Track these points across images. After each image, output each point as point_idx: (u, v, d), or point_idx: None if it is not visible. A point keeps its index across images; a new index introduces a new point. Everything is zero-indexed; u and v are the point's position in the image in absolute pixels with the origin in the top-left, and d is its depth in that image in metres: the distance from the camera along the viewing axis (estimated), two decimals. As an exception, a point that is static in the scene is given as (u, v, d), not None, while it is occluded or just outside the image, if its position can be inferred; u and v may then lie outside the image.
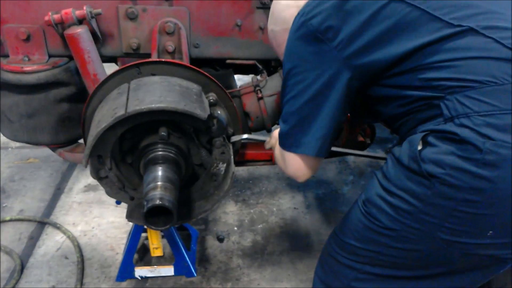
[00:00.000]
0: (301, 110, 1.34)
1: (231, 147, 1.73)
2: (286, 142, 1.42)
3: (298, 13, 1.32)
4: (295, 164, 1.43)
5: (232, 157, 1.70)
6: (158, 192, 1.45)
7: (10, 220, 2.93)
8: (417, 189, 1.15)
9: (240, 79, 2.33)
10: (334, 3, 1.25)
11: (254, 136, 1.87)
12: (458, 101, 1.09)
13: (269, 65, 2.29)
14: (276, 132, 1.70)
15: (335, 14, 1.23)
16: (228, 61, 2.16)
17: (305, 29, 1.27)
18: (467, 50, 1.11)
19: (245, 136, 1.81)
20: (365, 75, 1.26)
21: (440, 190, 1.10)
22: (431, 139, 1.13)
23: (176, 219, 1.47)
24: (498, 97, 1.05)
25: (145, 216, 1.44)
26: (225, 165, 1.72)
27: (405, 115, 1.26)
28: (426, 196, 1.13)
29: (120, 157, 1.69)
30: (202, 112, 1.51)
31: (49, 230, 2.87)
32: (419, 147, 1.15)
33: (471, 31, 1.12)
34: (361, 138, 2.17)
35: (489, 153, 1.03)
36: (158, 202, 1.41)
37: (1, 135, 2.03)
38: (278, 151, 1.52)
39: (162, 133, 1.58)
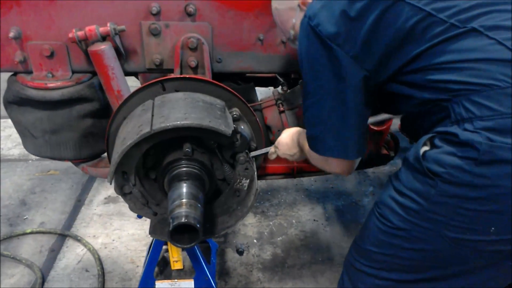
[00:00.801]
0: (327, 116, 1.36)
1: (254, 163, 1.72)
2: (320, 147, 1.45)
3: (305, 15, 1.33)
4: (339, 166, 1.48)
5: (255, 173, 1.69)
6: (183, 210, 1.44)
7: (31, 233, 2.95)
8: (423, 188, 1.19)
9: (259, 91, 2.32)
10: (339, 9, 1.26)
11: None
12: (463, 105, 1.13)
13: (290, 77, 2.29)
14: (282, 139, 1.74)
15: (341, 22, 1.25)
16: (248, 74, 2.16)
17: (315, 35, 1.29)
18: (470, 51, 1.14)
19: (265, 150, 1.80)
20: (379, 75, 1.29)
21: (443, 188, 1.15)
22: (437, 141, 1.18)
23: (201, 236, 1.46)
24: (499, 101, 1.09)
25: (170, 234, 1.43)
26: (248, 181, 1.71)
27: (420, 115, 1.29)
28: (430, 194, 1.18)
29: (144, 172, 1.69)
30: (226, 128, 1.50)
31: (69, 242, 2.89)
32: (427, 148, 1.20)
33: (475, 32, 1.14)
34: (385, 151, 2.15)
35: (487, 153, 1.08)
36: (184, 220, 1.41)
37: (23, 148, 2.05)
38: (314, 153, 1.52)
39: (187, 149, 1.58)
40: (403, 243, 1.29)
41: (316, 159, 1.54)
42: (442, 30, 1.17)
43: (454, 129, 1.14)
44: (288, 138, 1.72)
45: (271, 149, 1.78)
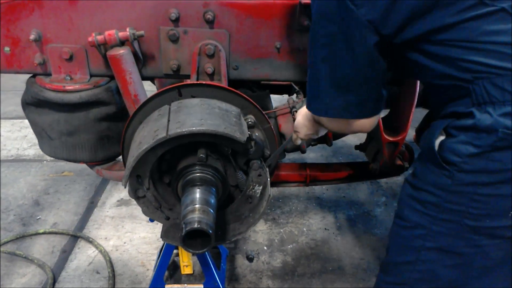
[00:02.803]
0: (341, 78, 1.28)
1: (267, 170, 1.72)
2: (342, 111, 1.36)
3: None
4: (359, 125, 1.39)
5: (269, 180, 1.69)
6: (196, 215, 1.45)
7: (44, 233, 2.98)
8: (440, 180, 1.21)
9: (273, 98, 2.33)
10: None
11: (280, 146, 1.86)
12: (485, 88, 1.12)
13: (305, 85, 2.29)
14: (299, 122, 1.67)
15: None
16: (263, 81, 2.17)
17: None
18: (498, 34, 1.10)
19: (276, 151, 1.80)
20: (396, 39, 1.21)
21: (459, 177, 1.17)
22: (452, 130, 1.19)
23: (213, 242, 1.46)
24: None
25: (183, 239, 1.43)
26: (261, 187, 1.71)
27: (437, 88, 1.27)
28: (447, 185, 1.19)
29: (158, 177, 1.70)
30: (241, 135, 1.51)
31: (81, 244, 2.91)
32: (442, 137, 1.21)
33: (503, 12, 1.09)
34: (399, 162, 2.13)
35: (503, 139, 1.09)
36: (196, 225, 1.41)
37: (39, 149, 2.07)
38: (328, 121, 1.45)
39: (201, 155, 1.59)
40: (424, 243, 1.29)
41: (335, 124, 1.45)
42: (472, 5, 1.10)
43: (474, 111, 1.14)
44: (304, 118, 1.66)
45: (292, 135, 1.75)
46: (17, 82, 5.28)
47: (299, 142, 1.77)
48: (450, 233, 1.25)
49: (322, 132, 1.71)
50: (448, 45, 1.15)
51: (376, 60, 1.24)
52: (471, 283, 1.32)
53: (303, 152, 2.06)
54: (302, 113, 1.69)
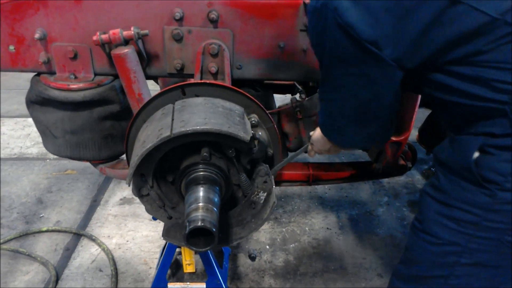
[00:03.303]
0: (364, 114, 1.30)
1: (273, 177, 1.72)
2: (343, 141, 1.46)
3: (330, 6, 1.12)
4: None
5: (274, 187, 1.69)
6: (200, 214, 1.45)
7: (47, 231, 2.99)
8: (478, 198, 1.16)
9: (276, 98, 2.33)
10: (381, 8, 1.08)
11: (291, 154, 1.88)
12: None
13: (308, 85, 2.29)
14: (315, 136, 1.73)
15: (384, 22, 1.09)
16: (266, 81, 2.17)
17: (346, 36, 1.12)
18: None
19: (285, 160, 1.81)
20: (421, 68, 1.18)
21: (502, 196, 1.12)
22: (489, 148, 1.14)
23: (217, 241, 1.46)
24: None
25: (186, 237, 1.44)
26: (265, 194, 1.71)
27: (466, 106, 1.19)
28: (487, 204, 1.15)
29: (161, 175, 1.70)
30: (245, 134, 1.51)
31: (84, 242, 2.92)
32: (476, 155, 1.15)
33: None
34: (402, 162, 2.14)
35: None
36: (200, 223, 1.41)
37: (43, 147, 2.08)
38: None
39: (205, 153, 1.59)
40: (460, 259, 1.24)
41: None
42: (508, 33, 1.07)
43: None
44: (320, 134, 1.67)
45: (308, 146, 1.80)
46: (21, 80, 5.32)
47: (312, 154, 1.81)
48: (488, 249, 1.21)
49: (336, 152, 1.74)
50: (481, 66, 1.11)
51: (399, 93, 1.24)
52: None
53: (306, 151, 2.06)
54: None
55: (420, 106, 1.98)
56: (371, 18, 1.09)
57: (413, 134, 2.10)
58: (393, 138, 2.02)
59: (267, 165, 1.69)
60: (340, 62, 1.20)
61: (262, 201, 1.71)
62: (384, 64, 1.13)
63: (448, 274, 1.28)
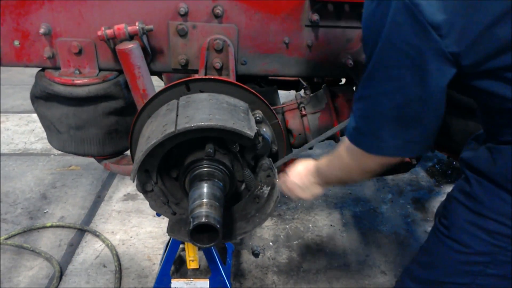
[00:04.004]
0: (408, 114, 1.16)
1: (276, 171, 1.71)
2: (372, 144, 1.24)
3: None
4: (379, 164, 1.28)
5: (277, 181, 1.69)
6: (204, 210, 1.45)
7: (51, 226, 3.00)
8: None
9: (280, 94, 2.32)
10: None
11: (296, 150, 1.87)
12: None
13: (313, 81, 2.29)
14: (301, 167, 1.59)
15: (454, 8, 1.01)
16: (271, 77, 2.17)
17: (410, 15, 1.03)
18: None
19: (289, 156, 1.81)
20: (473, 69, 1.09)
21: None
22: None
23: (221, 237, 1.46)
24: None
25: (190, 233, 1.44)
26: (269, 188, 1.71)
27: (510, 112, 1.12)
28: None
29: (165, 171, 1.70)
30: (249, 130, 1.50)
31: (88, 237, 2.92)
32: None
33: None
34: (407, 159, 2.12)
35: None
36: (204, 220, 1.41)
37: (47, 142, 2.08)
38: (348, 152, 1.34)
39: (209, 149, 1.59)
40: (485, 269, 1.21)
41: (348, 158, 1.35)
42: None
43: None
44: (304, 178, 1.58)
45: (281, 192, 1.65)
46: (25, 76, 5.33)
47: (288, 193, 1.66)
48: None
49: (313, 198, 1.62)
50: None
51: (445, 94, 1.13)
52: None
53: (310, 148, 2.05)
54: (303, 173, 1.58)
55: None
56: (442, 1, 1.01)
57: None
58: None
59: (270, 159, 1.68)
60: (395, 52, 1.10)
61: (265, 195, 1.71)
62: (441, 56, 1.05)
63: (470, 282, 1.24)
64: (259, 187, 1.70)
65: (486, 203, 1.16)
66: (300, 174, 1.59)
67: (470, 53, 1.04)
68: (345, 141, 1.34)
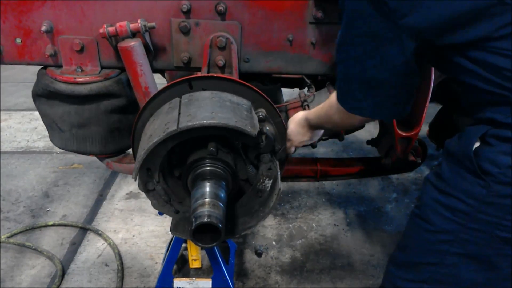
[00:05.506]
0: (372, 79, 1.26)
1: (278, 163, 1.70)
2: (354, 105, 1.35)
3: None
4: (362, 121, 1.44)
5: (279, 173, 1.67)
6: (206, 209, 1.43)
7: (53, 225, 2.99)
8: (473, 189, 1.15)
9: (283, 92, 2.30)
10: None
11: None
12: None
13: (317, 79, 2.26)
14: (291, 130, 1.70)
15: None
16: (275, 75, 2.14)
17: None
18: None
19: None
20: (439, 43, 1.16)
21: (496, 189, 1.12)
22: (490, 138, 1.14)
23: (223, 237, 1.45)
24: None
25: (192, 233, 1.42)
26: (271, 181, 1.70)
27: (479, 90, 1.18)
28: (482, 195, 1.14)
29: (168, 170, 1.69)
30: (252, 129, 1.49)
31: (90, 236, 2.92)
32: (477, 144, 1.16)
33: None
34: (412, 157, 2.11)
35: None
36: (206, 219, 1.40)
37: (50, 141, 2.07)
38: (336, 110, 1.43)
39: (212, 148, 1.57)
40: (450, 248, 1.25)
41: (337, 115, 1.45)
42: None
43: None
44: (298, 125, 1.69)
45: (286, 145, 1.75)
46: (28, 74, 5.32)
47: (293, 150, 1.77)
48: (478, 242, 1.21)
49: (316, 138, 1.72)
50: (496, 53, 1.09)
51: (412, 65, 1.21)
52: (496, 286, 1.28)
53: (314, 146, 2.03)
54: (296, 120, 1.70)
55: (431, 101, 1.95)
56: None
57: (424, 129, 2.06)
58: (403, 134, 1.99)
59: (271, 152, 1.67)
60: (358, 19, 1.20)
61: (268, 189, 1.70)
62: (401, 29, 1.13)
63: (438, 261, 1.28)
64: (261, 180, 1.69)
65: (449, 181, 1.21)
66: (294, 120, 1.72)
67: (428, 26, 1.11)
68: (333, 96, 1.45)
